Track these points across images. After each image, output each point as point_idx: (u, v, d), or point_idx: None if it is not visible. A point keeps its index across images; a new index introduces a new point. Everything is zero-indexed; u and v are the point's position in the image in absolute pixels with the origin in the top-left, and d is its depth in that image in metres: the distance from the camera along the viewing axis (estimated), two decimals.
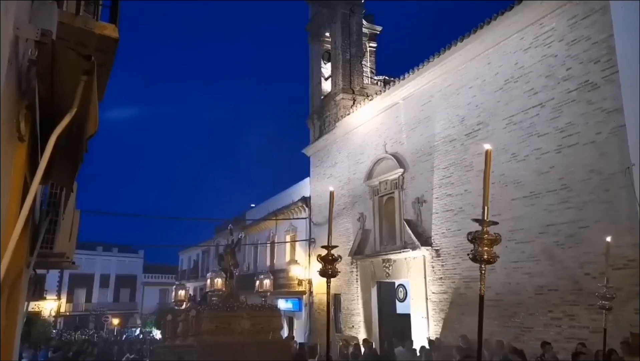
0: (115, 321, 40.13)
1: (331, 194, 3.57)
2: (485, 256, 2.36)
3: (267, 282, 13.60)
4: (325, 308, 18.63)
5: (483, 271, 2.40)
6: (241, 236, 15.28)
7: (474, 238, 2.40)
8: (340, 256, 3.62)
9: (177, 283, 25.78)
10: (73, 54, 1.91)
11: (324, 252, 3.48)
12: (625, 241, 8.82)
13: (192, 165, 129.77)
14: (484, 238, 2.36)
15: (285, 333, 19.15)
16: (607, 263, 5.47)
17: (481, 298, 2.37)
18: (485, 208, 2.36)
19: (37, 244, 4.20)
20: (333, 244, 3.45)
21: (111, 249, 50.74)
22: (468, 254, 2.48)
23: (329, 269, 3.49)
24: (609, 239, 5.11)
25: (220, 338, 11.24)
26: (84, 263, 37.09)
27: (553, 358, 8.70)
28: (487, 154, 2.34)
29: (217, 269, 13.61)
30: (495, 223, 2.39)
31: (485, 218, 2.36)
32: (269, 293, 13.77)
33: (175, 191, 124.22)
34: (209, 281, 13.10)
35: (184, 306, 13.31)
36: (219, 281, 12.84)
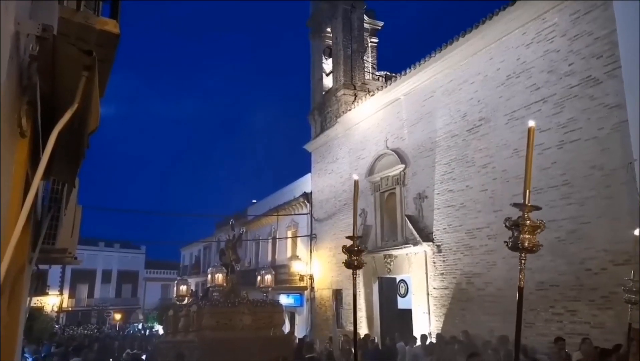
0: (118, 316, 40.30)
1: (355, 183, 3.47)
2: (527, 244, 2.12)
3: (268, 277, 13.50)
4: (327, 304, 18.60)
5: (523, 261, 2.18)
6: (242, 232, 15.19)
7: (514, 224, 2.15)
8: (366, 247, 3.42)
9: (179, 278, 25.81)
10: (74, 49, 1.91)
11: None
12: (626, 237, 8.81)
13: (194, 161, 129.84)
14: (526, 224, 2.13)
15: (286, 328, 19.19)
16: (638, 255, 5.39)
17: (520, 290, 2.19)
18: (527, 191, 2.15)
19: (39, 240, 4.21)
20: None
21: (113, 245, 50.89)
22: (506, 242, 2.24)
23: (354, 260, 3.36)
24: (637, 232, 5.04)
25: (221, 334, 11.19)
26: (86, 259, 37.14)
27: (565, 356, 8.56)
28: (530, 131, 2.14)
29: (218, 265, 13.52)
30: (538, 208, 2.17)
31: (527, 202, 2.13)
32: (270, 289, 13.71)
33: (177, 188, 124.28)
34: (209, 276, 13.02)
35: (185, 302, 13.28)
36: (219, 277, 12.75)
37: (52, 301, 30.32)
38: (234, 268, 13.35)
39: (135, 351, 14.43)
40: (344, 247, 3.48)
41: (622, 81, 9.04)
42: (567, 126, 10.27)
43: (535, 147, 9.17)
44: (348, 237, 3.43)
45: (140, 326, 36.14)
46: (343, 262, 3.56)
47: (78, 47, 2.01)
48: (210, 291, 13.30)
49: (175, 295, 14.50)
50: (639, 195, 8.42)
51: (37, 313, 19.54)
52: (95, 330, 31.42)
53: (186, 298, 13.58)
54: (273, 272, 14.64)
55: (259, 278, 13.75)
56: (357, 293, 17.44)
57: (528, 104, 11.27)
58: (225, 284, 12.77)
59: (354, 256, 3.37)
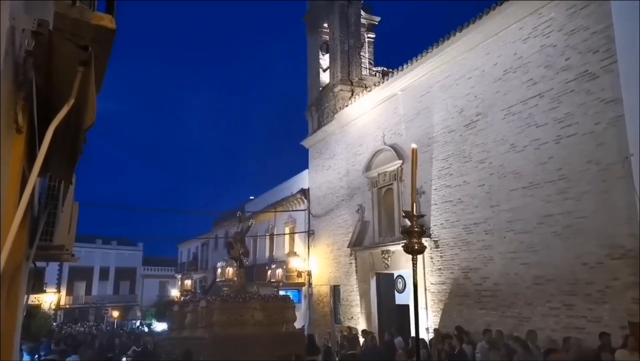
0: (115, 313, 40.31)
1: (414, 151, 2.91)
2: None
3: (279, 272, 13.16)
4: (325, 300, 18.51)
5: None
6: (251, 224, 14.73)
7: None
8: (426, 228, 2.77)
9: (184, 272, 25.63)
10: (70, 44, 1.90)
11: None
12: (623, 231, 8.86)
13: (191, 158, 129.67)
14: None
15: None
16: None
17: None
18: None
19: (36, 237, 4.19)
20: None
21: (110, 242, 50.84)
22: None
23: (414, 243, 2.79)
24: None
25: (232, 330, 10.80)
26: (83, 256, 37.10)
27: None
28: None
29: (227, 258, 13.09)
30: None
31: None
32: (281, 283, 13.35)
33: (175, 184, 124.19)
34: (219, 270, 12.54)
35: (186, 298, 12.99)
36: (230, 271, 12.21)
37: (49, 299, 30.28)
38: (243, 262, 12.97)
39: (141, 348, 14.31)
40: (402, 227, 2.93)
41: (619, 76, 9.05)
42: (563, 120, 10.29)
43: (532, 143, 9.18)
44: (405, 215, 2.88)
45: (137, 323, 36.13)
46: (402, 246, 3.03)
47: (74, 42, 1.99)
48: (219, 286, 12.87)
49: (179, 290, 14.12)
50: (637, 189, 8.45)
51: (34, 310, 19.49)
52: (94, 327, 31.41)
53: (191, 293, 13.29)
54: (284, 266, 14.26)
55: (269, 272, 13.42)
56: (355, 288, 17.39)
57: (525, 99, 11.28)
58: (235, 278, 12.41)
59: (414, 238, 2.81)
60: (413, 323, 13.96)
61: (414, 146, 3.02)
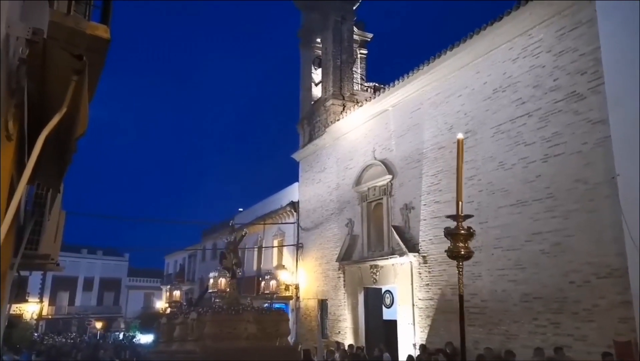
0: (99, 325, 39.62)
1: (459, 142, 2.54)
2: None
3: (273, 283, 12.96)
4: (312, 314, 18.33)
5: None
6: (245, 233, 14.53)
7: None
8: (474, 230, 2.35)
9: (172, 283, 25.29)
10: (64, 53, 1.90)
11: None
12: (610, 250, 8.94)
13: (179, 168, 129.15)
14: None
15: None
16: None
17: None
18: None
19: (21, 246, 4.14)
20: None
21: (96, 252, 50.14)
22: None
23: (460, 248, 2.41)
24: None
25: (224, 344, 10.46)
26: (68, 266, 36.38)
27: None
28: None
29: (220, 268, 12.84)
30: None
31: None
32: (275, 295, 13.10)
33: (163, 195, 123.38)
34: (211, 281, 12.32)
35: (174, 309, 12.76)
36: (222, 281, 11.98)
37: (31, 309, 29.66)
38: (236, 273, 12.74)
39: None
40: (446, 229, 2.55)
41: (606, 97, 9.21)
42: (551, 140, 10.42)
43: (520, 161, 9.31)
44: (449, 216, 2.51)
45: (121, 336, 35.52)
46: (445, 251, 2.64)
47: (68, 51, 1.99)
48: (209, 297, 12.56)
49: (167, 301, 13.84)
50: (622, 209, 8.55)
51: (16, 320, 19.11)
52: (77, 339, 30.83)
53: (179, 304, 13.04)
54: (278, 278, 14.03)
55: (263, 283, 13.15)
56: (343, 303, 17.23)
57: (514, 117, 11.42)
58: (227, 289, 12.11)
59: (460, 242, 2.44)
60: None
61: (460, 136, 2.63)
